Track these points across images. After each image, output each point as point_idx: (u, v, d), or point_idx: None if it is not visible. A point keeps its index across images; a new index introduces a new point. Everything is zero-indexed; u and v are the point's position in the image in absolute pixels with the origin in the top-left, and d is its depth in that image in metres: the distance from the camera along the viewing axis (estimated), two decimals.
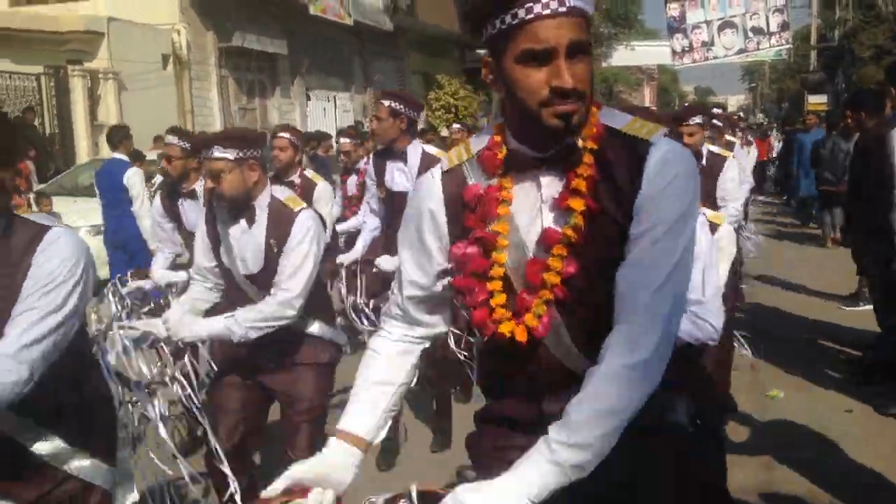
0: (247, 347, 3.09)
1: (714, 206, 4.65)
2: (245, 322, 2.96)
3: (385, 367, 1.75)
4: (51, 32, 12.50)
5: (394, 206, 4.39)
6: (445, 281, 1.69)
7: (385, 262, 4.33)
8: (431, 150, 4.44)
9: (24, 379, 1.81)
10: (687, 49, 22.43)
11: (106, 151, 12.91)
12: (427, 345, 1.80)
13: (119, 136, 7.42)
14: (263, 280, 3.04)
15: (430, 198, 1.67)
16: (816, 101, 27.66)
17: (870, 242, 5.20)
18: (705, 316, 2.60)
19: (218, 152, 2.95)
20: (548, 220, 1.57)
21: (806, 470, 4.05)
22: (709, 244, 3.16)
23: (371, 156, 4.85)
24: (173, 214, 4.65)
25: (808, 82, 29.28)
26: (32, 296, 1.86)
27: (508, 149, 1.60)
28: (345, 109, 21.87)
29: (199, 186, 4.41)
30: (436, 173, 1.68)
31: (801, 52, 33.37)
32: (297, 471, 1.57)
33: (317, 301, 3.17)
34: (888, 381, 5.19)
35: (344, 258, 4.94)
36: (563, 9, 1.44)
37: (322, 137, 11.25)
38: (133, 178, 7.14)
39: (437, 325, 1.78)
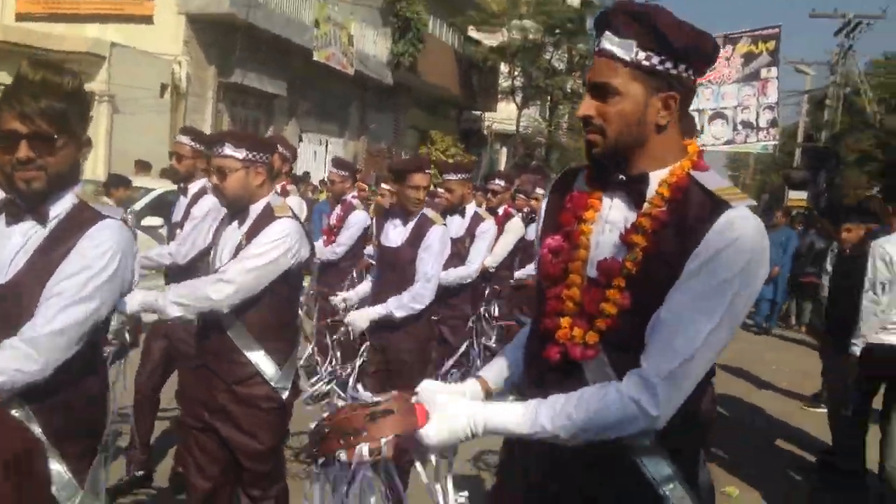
0: (197, 354, 3.08)
1: None
2: (172, 295, 2.90)
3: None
4: (53, 51, 12.53)
5: (386, 261, 4.27)
6: None
7: (356, 320, 4.07)
8: (429, 213, 4.34)
9: (41, 369, 1.82)
10: None
11: (90, 172, 12.94)
12: None
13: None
14: None
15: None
16: (797, 197, 28.16)
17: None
18: None
19: (228, 150, 2.94)
20: (607, 242, 1.67)
21: None
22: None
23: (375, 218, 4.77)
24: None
25: (791, 179, 29.85)
26: (66, 280, 1.87)
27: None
28: (336, 154, 22.02)
29: (194, 186, 4.43)
30: (560, 177, 1.90)
31: (787, 149, 34.12)
32: (431, 387, 1.70)
33: (267, 326, 2.99)
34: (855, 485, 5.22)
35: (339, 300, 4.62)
36: (596, 48, 1.65)
37: (304, 180, 11.36)
38: None
39: None
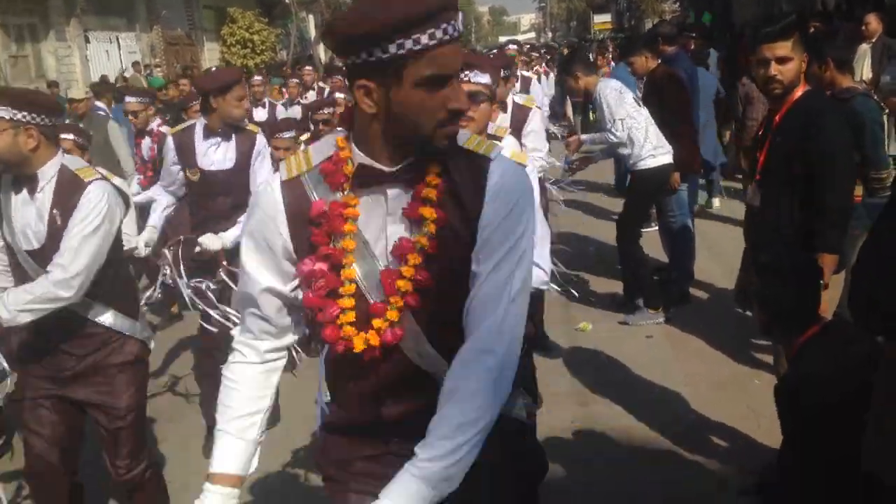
0: (40, 343, 2.91)
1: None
2: (13, 304, 2.70)
3: (249, 396, 1.74)
4: None
5: (209, 187, 4.13)
6: (298, 291, 1.69)
7: (208, 241, 4.01)
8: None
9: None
10: None
11: None
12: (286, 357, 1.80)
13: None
14: (45, 257, 2.76)
15: (273, 209, 1.63)
16: (602, 19, 29.04)
17: None
18: (536, 261, 2.73)
19: None
20: (395, 231, 1.59)
21: (621, 402, 4.35)
22: (531, 187, 3.42)
23: (171, 136, 4.30)
24: None
25: (593, 2, 30.65)
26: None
27: (356, 163, 1.59)
28: (130, 51, 20.38)
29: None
30: (275, 185, 1.64)
31: None
32: None
33: (111, 287, 2.93)
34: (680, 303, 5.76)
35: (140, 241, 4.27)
36: (455, 34, 1.49)
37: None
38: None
39: (301, 327, 1.78)
